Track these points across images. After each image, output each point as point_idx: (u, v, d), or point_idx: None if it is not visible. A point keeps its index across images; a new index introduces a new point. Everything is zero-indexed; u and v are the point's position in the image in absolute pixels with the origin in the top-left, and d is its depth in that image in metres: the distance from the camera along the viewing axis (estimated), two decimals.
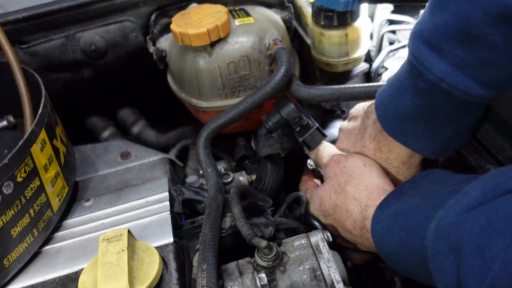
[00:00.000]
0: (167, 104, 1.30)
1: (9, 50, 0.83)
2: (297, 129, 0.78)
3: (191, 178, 0.96)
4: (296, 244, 0.68)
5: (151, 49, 0.95)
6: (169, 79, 0.99)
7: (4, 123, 0.96)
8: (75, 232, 0.73)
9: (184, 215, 0.79)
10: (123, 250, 0.60)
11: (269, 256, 0.64)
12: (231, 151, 1.01)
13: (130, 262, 0.59)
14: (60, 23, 0.95)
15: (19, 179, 0.64)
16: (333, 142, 0.95)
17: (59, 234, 0.73)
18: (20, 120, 0.95)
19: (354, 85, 0.78)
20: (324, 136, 0.80)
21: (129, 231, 0.63)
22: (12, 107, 0.93)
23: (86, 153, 1.00)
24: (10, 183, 0.63)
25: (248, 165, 0.90)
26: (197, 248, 0.71)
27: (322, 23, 0.87)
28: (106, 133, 1.24)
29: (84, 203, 0.80)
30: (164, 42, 0.97)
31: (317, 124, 0.78)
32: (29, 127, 0.82)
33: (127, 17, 0.98)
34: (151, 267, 0.60)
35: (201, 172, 0.88)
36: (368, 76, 1.06)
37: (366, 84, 0.78)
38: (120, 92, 1.22)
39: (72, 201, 0.80)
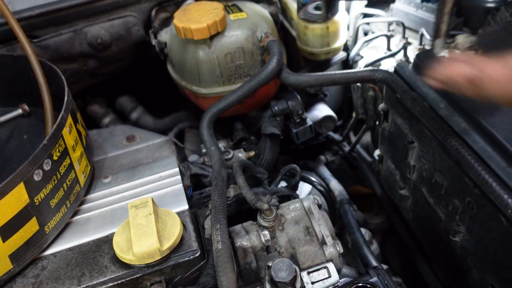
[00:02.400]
0: (161, 91, 1.41)
1: (28, 46, 0.92)
2: (297, 121, 0.91)
3: (193, 157, 1.07)
4: (291, 207, 0.81)
5: (153, 41, 1.06)
6: (170, 68, 1.09)
7: (19, 111, 1.05)
8: (100, 204, 0.84)
9: (192, 188, 0.91)
10: (150, 214, 0.71)
11: (270, 217, 0.77)
12: (226, 132, 1.13)
13: (156, 224, 0.71)
14: (69, 18, 1.04)
15: (55, 158, 0.75)
16: (315, 124, 1.09)
17: (85, 206, 0.84)
18: (33, 108, 1.05)
19: (335, 71, 0.91)
20: (313, 134, 0.93)
21: (152, 199, 0.74)
22: (26, 96, 1.02)
23: (93, 137, 1.10)
24: (49, 161, 0.73)
25: (245, 145, 1.02)
26: (207, 214, 0.83)
27: (307, 18, 0.99)
28: (106, 120, 1.34)
29: (103, 179, 0.90)
30: (164, 35, 1.07)
31: (311, 122, 0.92)
32: (49, 114, 0.92)
33: (130, 12, 1.08)
34: (174, 228, 0.72)
35: (203, 150, 1.01)
36: (346, 63, 1.20)
37: (345, 71, 0.91)
38: (118, 81, 1.32)
39: (92, 179, 0.90)
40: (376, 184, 1.16)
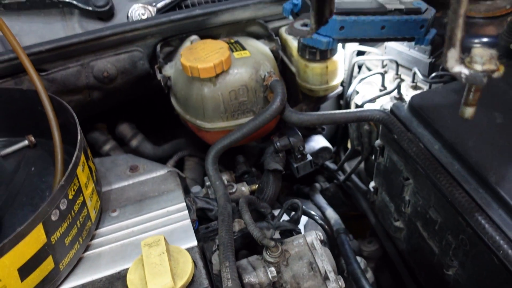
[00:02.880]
0: (161, 117, 1.45)
1: (38, 82, 0.95)
2: (298, 156, 0.96)
3: (195, 188, 1.11)
4: (295, 243, 0.85)
5: (159, 76, 1.09)
6: (173, 101, 1.13)
7: (26, 142, 1.07)
8: (110, 239, 0.87)
9: (197, 221, 0.94)
10: (163, 253, 0.75)
11: (276, 254, 0.81)
12: (227, 161, 1.17)
13: (169, 263, 0.74)
14: (77, 53, 1.07)
15: (70, 197, 0.78)
16: (312, 155, 1.14)
17: (96, 241, 0.87)
18: (39, 139, 1.07)
19: (335, 111, 0.96)
20: (313, 168, 0.98)
21: (164, 237, 0.78)
22: (32, 127, 1.05)
23: (96, 166, 1.13)
24: (65, 200, 0.76)
25: (247, 178, 1.06)
26: (214, 249, 0.87)
27: (307, 57, 1.05)
28: (107, 147, 1.36)
29: (111, 213, 0.93)
30: (169, 70, 1.11)
31: (311, 158, 0.96)
32: (58, 149, 0.95)
33: (136, 47, 1.11)
34: (186, 266, 0.75)
35: (207, 183, 1.04)
36: (341, 95, 1.25)
37: (344, 111, 0.96)
38: (119, 109, 1.35)
39: (100, 212, 0.93)
40: (371, 214, 1.21)
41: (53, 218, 0.74)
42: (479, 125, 0.86)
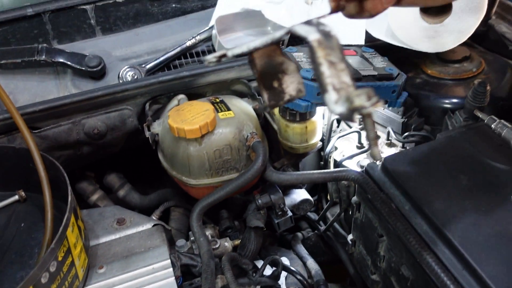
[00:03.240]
0: (148, 168, 1.49)
1: (31, 142, 1.00)
2: (279, 213, 1.01)
3: (180, 242, 1.14)
4: None
5: (147, 134, 1.15)
6: (160, 157, 1.18)
7: (16, 197, 1.11)
8: None
9: (181, 277, 0.98)
10: None
11: None
12: (213, 215, 1.22)
13: None
14: (69, 112, 1.12)
15: (59, 259, 0.81)
16: (294, 207, 1.19)
17: None
18: (29, 194, 1.11)
19: (313, 172, 1.02)
20: (293, 223, 1.03)
21: None
22: (22, 182, 1.09)
23: (84, 218, 1.17)
24: (54, 263, 0.80)
25: (230, 233, 1.11)
26: None
27: (288, 118, 1.11)
28: (95, 197, 1.40)
29: (98, 270, 0.96)
30: (157, 127, 1.16)
31: (291, 214, 1.02)
32: (48, 207, 0.99)
33: (126, 106, 1.17)
34: None
35: (191, 238, 1.09)
36: (321, 150, 1.32)
37: (322, 171, 1.02)
38: (107, 159, 1.40)
39: (88, 268, 0.96)
40: (349, 265, 1.25)
41: (43, 280, 0.77)
42: (446, 187, 0.92)
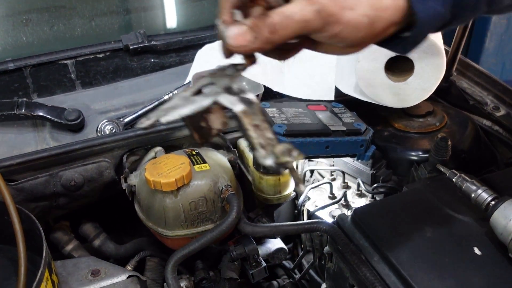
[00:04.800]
0: (124, 217, 1.50)
1: (7, 195, 1.01)
2: (253, 264, 1.03)
3: None
4: None
5: (124, 185, 1.17)
6: (137, 208, 1.20)
7: None
8: None
9: None
10: None
11: None
12: (188, 264, 1.23)
13: None
14: (46, 165, 1.14)
15: None
16: (269, 255, 1.21)
17: None
18: (1, 246, 1.11)
19: (286, 223, 1.06)
20: (267, 274, 1.05)
21: None
22: None
23: (58, 269, 1.16)
24: None
25: (205, 284, 1.12)
26: None
27: (261, 170, 1.15)
28: (69, 247, 1.39)
29: None
30: (133, 179, 1.19)
31: (265, 264, 1.04)
32: (22, 260, 0.98)
33: (104, 158, 1.19)
34: None
35: None
36: (295, 200, 1.36)
37: (294, 223, 1.05)
38: (82, 209, 1.40)
39: None
40: None
41: None
42: (412, 238, 0.96)
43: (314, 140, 1.08)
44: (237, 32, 0.59)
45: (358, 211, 1.04)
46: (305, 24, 0.57)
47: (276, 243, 1.31)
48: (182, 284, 1.09)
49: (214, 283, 1.14)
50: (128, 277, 1.10)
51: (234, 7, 0.62)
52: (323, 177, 1.37)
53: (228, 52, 0.64)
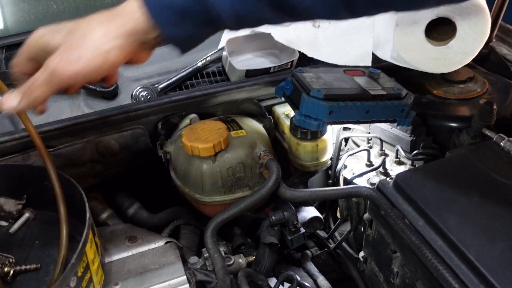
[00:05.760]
0: (158, 187, 1.50)
1: (48, 161, 1.01)
2: (292, 229, 1.02)
3: (193, 259, 1.14)
4: None
5: (160, 152, 1.16)
6: (173, 175, 1.19)
7: (27, 215, 1.11)
8: None
9: None
10: None
11: None
12: (225, 232, 1.23)
13: None
14: (83, 131, 1.14)
15: (79, 274, 0.82)
16: (304, 224, 1.19)
17: None
18: (42, 212, 1.12)
19: (326, 188, 1.04)
20: (305, 240, 1.04)
21: None
22: (32, 199, 1.09)
23: None
24: (74, 278, 0.80)
25: (244, 249, 1.11)
26: None
27: (299, 136, 1.13)
28: (104, 215, 1.40)
29: (113, 287, 0.97)
30: (169, 146, 1.18)
31: (304, 230, 1.03)
32: (64, 223, 0.99)
33: (139, 125, 1.19)
34: None
35: (205, 255, 1.09)
36: (330, 167, 1.34)
37: (334, 188, 1.04)
38: (116, 178, 1.40)
39: (103, 286, 0.96)
40: (361, 282, 1.25)
41: None
42: (458, 203, 0.94)
43: (354, 105, 1.05)
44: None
45: (400, 176, 1.02)
46: (49, 83, 0.74)
47: (311, 212, 1.30)
48: (221, 250, 1.09)
49: (252, 249, 1.14)
50: (165, 243, 1.10)
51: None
52: (358, 146, 1.34)
53: None
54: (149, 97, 1.22)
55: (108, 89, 1.23)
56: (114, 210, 1.45)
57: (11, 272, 0.95)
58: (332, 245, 1.38)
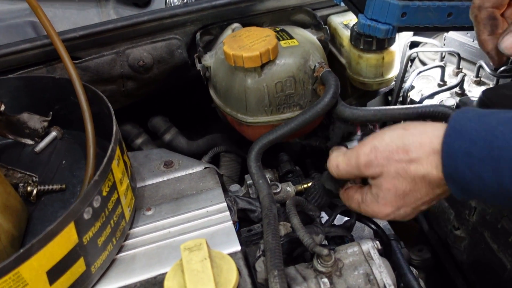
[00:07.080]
0: (195, 113, 1.38)
1: (73, 71, 0.89)
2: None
3: (234, 187, 1.03)
4: (349, 251, 0.76)
5: (198, 66, 1.02)
6: (213, 94, 1.05)
7: (54, 133, 1.01)
8: (145, 240, 0.80)
9: (238, 223, 0.86)
10: (205, 259, 0.67)
11: (329, 263, 0.72)
12: (269, 160, 1.09)
13: (212, 270, 0.66)
14: (112, 40, 1.01)
15: (104, 193, 0.71)
16: None
17: (129, 242, 0.79)
18: (66, 130, 1.01)
19: (393, 107, 0.87)
20: None
21: (206, 241, 0.70)
22: (59, 118, 0.99)
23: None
24: (98, 197, 0.69)
25: (291, 178, 0.97)
26: (258, 254, 0.78)
27: (362, 47, 0.95)
28: (139, 140, 1.30)
29: (145, 212, 0.86)
30: (208, 60, 1.03)
31: None
32: (91, 141, 0.88)
33: (174, 35, 1.04)
34: (230, 274, 0.67)
35: (248, 182, 0.96)
36: (389, 92, 1.15)
37: (404, 107, 0.86)
38: (152, 100, 1.28)
39: (134, 210, 0.86)
40: (423, 219, 1.11)
41: (86, 216, 0.67)
42: None
43: (434, 5, 0.85)
44: None
45: (488, 93, 0.83)
46: None
47: None
48: (266, 176, 0.95)
49: (301, 178, 1.00)
50: (204, 169, 0.98)
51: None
52: (425, 64, 1.15)
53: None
54: (186, 1, 1.06)
55: None
56: (150, 136, 1.35)
57: (34, 191, 0.86)
58: None
